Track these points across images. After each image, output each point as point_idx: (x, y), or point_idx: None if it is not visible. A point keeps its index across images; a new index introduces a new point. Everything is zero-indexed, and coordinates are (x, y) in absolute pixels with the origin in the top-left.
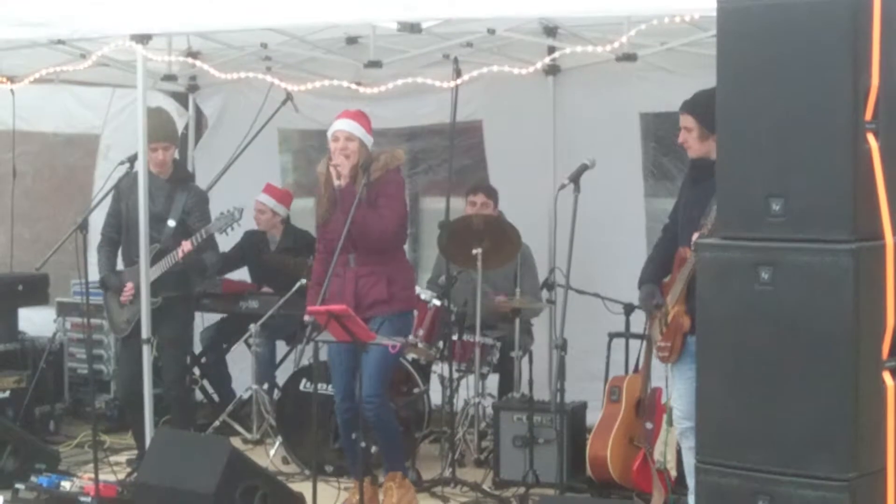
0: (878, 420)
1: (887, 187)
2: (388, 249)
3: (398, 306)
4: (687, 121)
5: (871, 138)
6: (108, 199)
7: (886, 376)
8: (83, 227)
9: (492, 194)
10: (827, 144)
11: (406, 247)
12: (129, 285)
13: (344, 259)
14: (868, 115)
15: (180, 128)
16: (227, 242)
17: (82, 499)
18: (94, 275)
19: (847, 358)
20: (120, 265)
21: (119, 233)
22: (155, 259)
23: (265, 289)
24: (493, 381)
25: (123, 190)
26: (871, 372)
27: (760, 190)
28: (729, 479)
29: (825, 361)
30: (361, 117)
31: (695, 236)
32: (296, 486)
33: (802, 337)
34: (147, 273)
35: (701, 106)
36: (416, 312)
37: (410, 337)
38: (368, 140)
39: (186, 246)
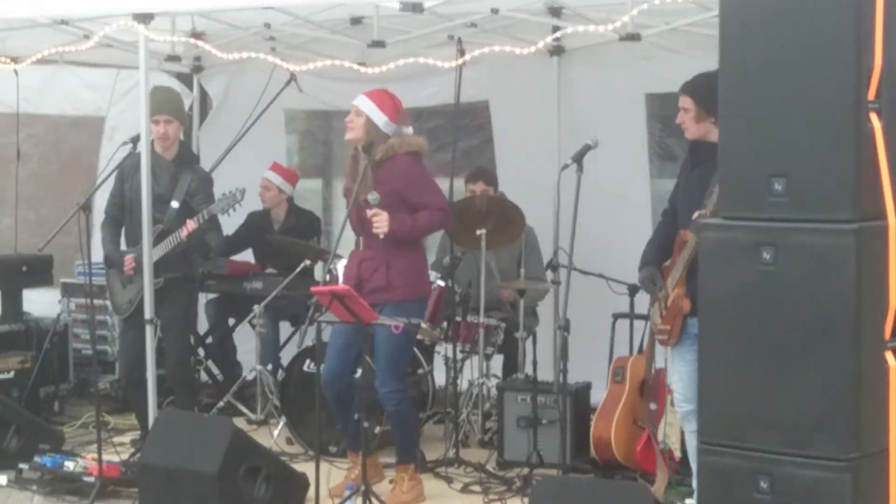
0: (880, 401)
1: (890, 167)
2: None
3: (397, 295)
4: (685, 101)
5: (874, 118)
6: (112, 180)
7: (889, 356)
8: (86, 207)
9: (491, 180)
10: (830, 124)
11: None
12: (130, 256)
13: (357, 240)
14: (871, 95)
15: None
16: (230, 224)
17: (86, 479)
18: (98, 255)
19: (849, 338)
20: (123, 246)
21: (122, 212)
22: (157, 240)
23: (269, 270)
24: (497, 361)
25: (127, 170)
26: (874, 352)
27: (763, 170)
28: (730, 459)
29: (827, 342)
30: (380, 96)
31: (694, 216)
32: (299, 467)
33: (804, 317)
34: (150, 254)
35: (699, 87)
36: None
37: (414, 318)
38: (381, 119)
39: (191, 225)
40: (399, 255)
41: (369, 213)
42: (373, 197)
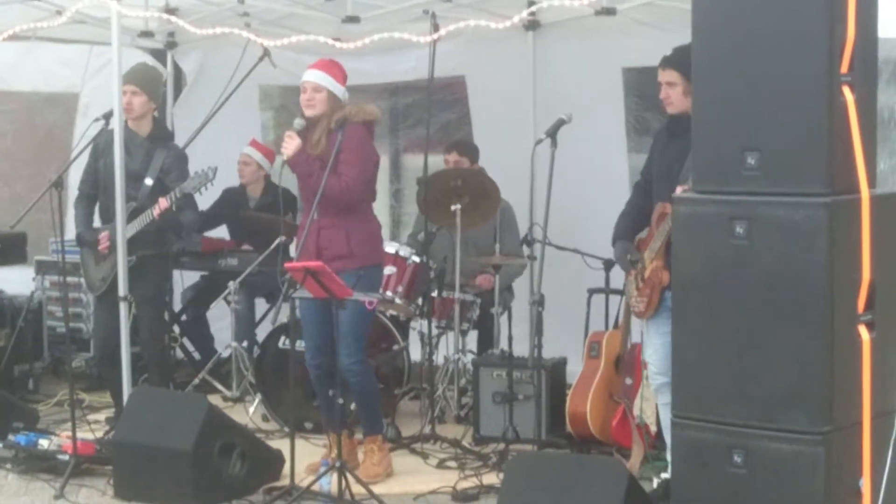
0: (854, 374)
1: (863, 140)
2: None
3: (360, 262)
4: (671, 76)
5: (846, 91)
6: (86, 156)
7: (862, 330)
8: (58, 184)
9: (467, 151)
10: (802, 98)
11: (388, 203)
12: (105, 234)
13: (309, 209)
14: (844, 68)
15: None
16: (206, 200)
17: (60, 457)
18: (71, 232)
19: (822, 312)
20: (97, 223)
21: (96, 189)
22: (131, 217)
23: (245, 246)
24: (472, 337)
25: (101, 147)
26: (847, 326)
27: (736, 143)
28: (704, 433)
29: (800, 315)
30: (332, 66)
31: (678, 191)
32: (275, 444)
33: (777, 291)
34: (123, 231)
35: (685, 61)
36: (388, 269)
37: (389, 293)
38: (339, 90)
39: (163, 203)
40: (357, 222)
41: (286, 133)
42: (298, 122)
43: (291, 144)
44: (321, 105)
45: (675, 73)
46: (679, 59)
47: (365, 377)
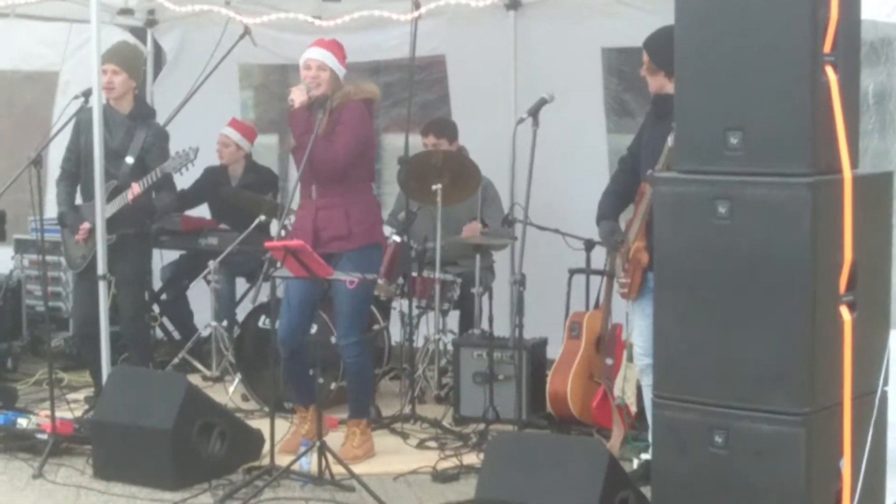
0: (835, 355)
1: (846, 120)
2: (349, 181)
3: (358, 242)
4: (644, 55)
5: (829, 71)
6: (66, 134)
7: (843, 310)
8: (37, 162)
9: (445, 132)
10: (785, 77)
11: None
12: (85, 225)
13: (307, 191)
14: (827, 48)
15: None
16: (187, 179)
17: (39, 436)
18: (51, 211)
19: (804, 292)
20: (79, 200)
21: (78, 167)
22: (111, 196)
23: (223, 225)
24: (453, 317)
25: (83, 124)
26: (828, 306)
27: (718, 123)
28: (685, 413)
29: (782, 296)
30: (335, 47)
31: (649, 172)
32: (255, 423)
33: (759, 271)
34: (103, 210)
35: (652, 40)
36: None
37: (372, 270)
38: (341, 71)
39: (136, 189)
40: (356, 202)
41: (296, 87)
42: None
43: (301, 96)
44: (325, 84)
45: (645, 53)
46: (649, 38)
47: (362, 358)
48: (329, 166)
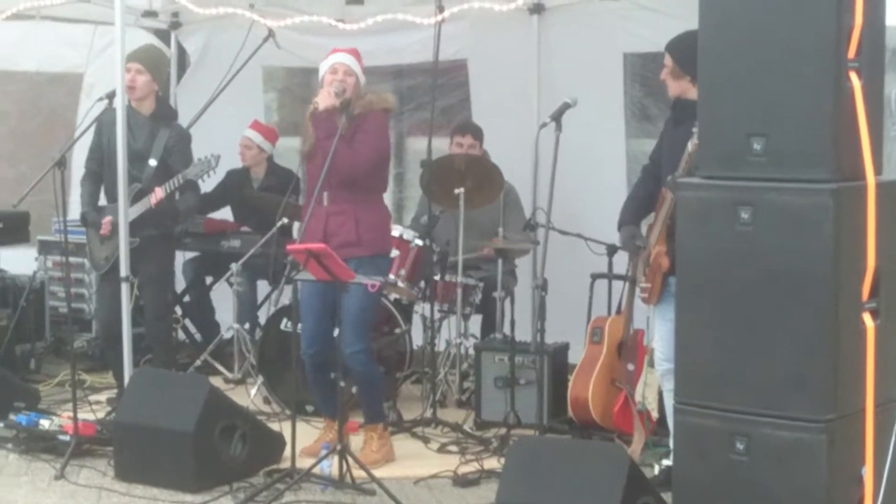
0: (857, 362)
1: (869, 126)
2: (361, 189)
3: (367, 250)
4: (666, 58)
5: (853, 77)
6: (89, 136)
7: (866, 317)
8: (61, 163)
9: (479, 135)
10: (809, 83)
11: (390, 188)
12: (108, 219)
13: (320, 197)
14: (851, 54)
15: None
16: (209, 182)
17: (61, 437)
18: (75, 212)
19: (826, 299)
20: (104, 201)
21: (101, 166)
22: (135, 199)
23: (245, 228)
24: (475, 321)
25: (105, 124)
26: (851, 313)
27: (741, 129)
28: (707, 419)
29: (804, 302)
30: (358, 55)
31: (669, 177)
32: (276, 426)
33: (782, 278)
34: (126, 212)
35: (677, 44)
36: (395, 253)
37: (391, 276)
38: (363, 79)
39: (159, 193)
40: (367, 209)
41: (325, 90)
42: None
43: (327, 100)
44: (351, 90)
45: (668, 55)
46: (673, 42)
47: (368, 366)
48: (347, 171)
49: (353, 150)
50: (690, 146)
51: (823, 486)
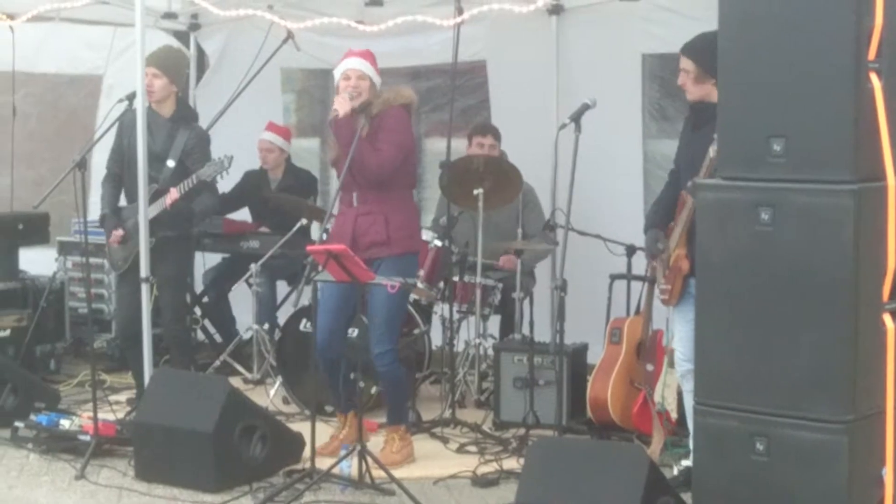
0: (878, 363)
1: (889, 127)
2: (390, 188)
3: (397, 249)
4: (685, 63)
5: (874, 78)
6: (109, 137)
7: (887, 319)
8: (81, 165)
9: (498, 135)
10: (829, 84)
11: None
12: (118, 232)
13: (349, 198)
14: (871, 55)
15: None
16: (227, 183)
17: (81, 437)
18: (96, 212)
19: (847, 300)
20: (124, 202)
21: (122, 167)
22: (152, 199)
23: (263, 228)
24: (494, 322)
25: (126, 125)
26: (871, 314)
27: (762, 130)
28: (727, 420)
29: (825, 303)
30: (370, 56)
31: (690, 182)
32: (295, 426)
33: (802, 278)
34: (145, 213)
35: (699, 48)
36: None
37: (410, 278)
38: (377, 80)
39: (174, 194)
40: (396, 209)
41: (340, 96)
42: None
43: (345, 105)
44: (366, 93)
45: (688, 60)
46: (693, 46)
47: (395, 366)
48: (372, 171)
49: (376, 150)
50: (712, 151)
51: (843, 487)
